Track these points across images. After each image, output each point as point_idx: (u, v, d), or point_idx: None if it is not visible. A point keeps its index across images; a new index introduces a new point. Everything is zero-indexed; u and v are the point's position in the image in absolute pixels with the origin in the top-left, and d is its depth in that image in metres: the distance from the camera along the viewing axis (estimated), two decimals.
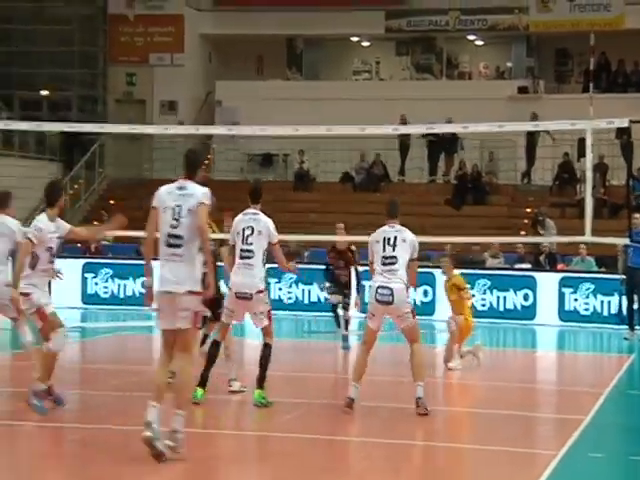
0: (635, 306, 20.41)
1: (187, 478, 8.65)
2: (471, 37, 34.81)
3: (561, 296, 22.73)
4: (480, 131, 24.40)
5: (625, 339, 19.82)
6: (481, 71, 35.25)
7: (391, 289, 10.70)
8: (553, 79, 34.02)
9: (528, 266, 23.95)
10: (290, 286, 23.70)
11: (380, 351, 13.32)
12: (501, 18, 33.10)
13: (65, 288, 20.35)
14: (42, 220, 10.34)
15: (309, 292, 23.80)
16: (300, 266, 17.70)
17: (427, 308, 22.07)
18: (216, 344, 11.56)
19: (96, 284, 24.82)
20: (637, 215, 20.15)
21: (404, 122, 25.92)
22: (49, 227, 10.26)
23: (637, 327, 20.30)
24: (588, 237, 15.28)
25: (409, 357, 11.19)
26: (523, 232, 25.80)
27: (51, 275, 10.73)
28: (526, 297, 22.61)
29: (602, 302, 22.49)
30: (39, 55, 34.30)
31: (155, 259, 8.89)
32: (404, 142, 29.87)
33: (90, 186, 31.75)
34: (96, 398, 12.35)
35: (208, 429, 10.92)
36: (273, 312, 11.65)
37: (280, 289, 23.65)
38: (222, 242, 12.94)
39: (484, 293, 22.37)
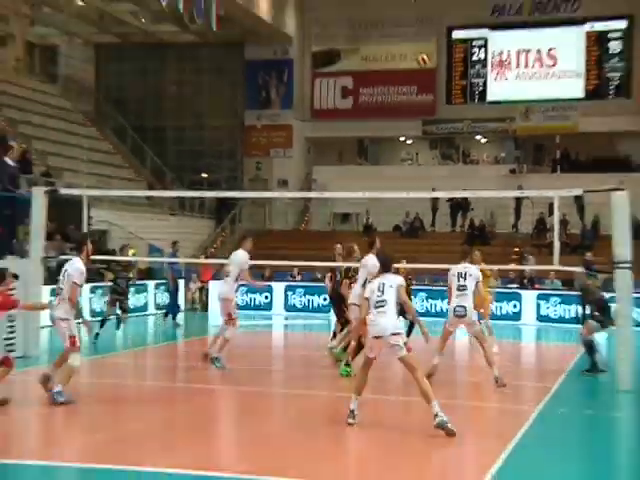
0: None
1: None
2: (478, 137, 36.55)
3: (538, 305, 23.67)
4: (484, 197, 26.92)
5: (580, 334, 18.50)
6: (484, 159, 36.80)
7: (464, 307, 11.68)
8: (532, 164, 34.87)
9: (516, 286, 24.56)
10: None
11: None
12: (498, 125, 34.75)
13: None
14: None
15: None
16: None
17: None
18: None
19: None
20: (588, 253, 21.59)
21: (434, 191, 25.10)
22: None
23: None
24: (556, 266, 15.15)
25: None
26: (513, 264, 26.03)
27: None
28: (515, 306, 23.56)
29: (565, 309, 23.22)
30: (201, 151, 36.45)
31: None
32: (434, 205, 31.47)
33: (233, 234, 32.22)
34: None
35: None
36: None
37: None
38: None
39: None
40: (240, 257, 13.08)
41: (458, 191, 25.69)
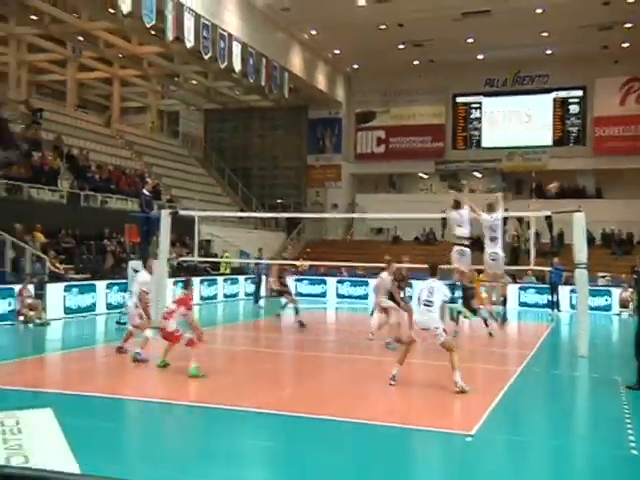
0: (555, 299, 20.79)
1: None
2: (475, 173, 35.29)
3: (519, 295, 23.39)
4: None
5: (549, 315, 20.28)
6: (480, 189, 34.10)
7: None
8: (515, 193, 33.76)
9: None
10: None
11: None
12: (489, 164, 34.24)
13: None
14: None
15: None
16: None
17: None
18: None
19: None
20: (555, 259, 21.22)
21: (444, 212, 22.89)
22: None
23: (555, 310, 20.58)
24: (532, 267, 15.49)
25: None
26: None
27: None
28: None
29: (539, 298, 23.10)
30: (276, 184, 36.87)
31: None
32: (444, 222, 27.89)
33: (299, 242, 33.32)
34: None
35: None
36: None
37: None
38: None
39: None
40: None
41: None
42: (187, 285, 10.34)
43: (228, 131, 38.23)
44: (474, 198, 15.51)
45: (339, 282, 25.42)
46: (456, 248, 12.35)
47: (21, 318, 14.61)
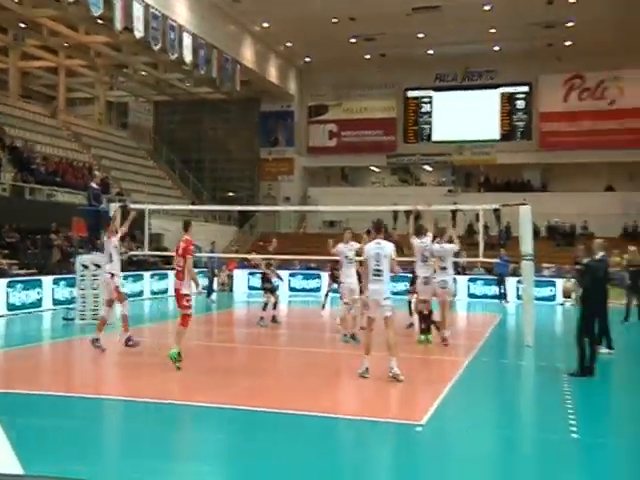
0: (502, 290, 21.91)
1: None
2: (426, 167, 36.38)
3: (468, 286, 23.70)
4: (431, 210, 27.52)
5: (497, 306, 20.66)
6: (430, 182, 36.31)
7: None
8: (464, 186, 34.72)
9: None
10: None
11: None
12: (439, 158, 34.71)
13: None
14: None
15: None
16: None
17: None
18: None
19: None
20: (502, 250, 22.12)
21: (395, 205, 23.36)
22: None
23: (502, 301, 21.54)
24: (481, 259, 15.34)
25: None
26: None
27: None
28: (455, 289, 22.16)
29: (487, 289, 23.47)
30: (229, 177, 37.02)
31: None
32: (395, 214, 29.54)
33: (251, 235, 32.89)
34: None
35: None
36: None
37: None
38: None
39: None
40: None
41: (412, 205, 24.99)
42: (187, 227, 9.40)
43: (179, 123, 37.88)
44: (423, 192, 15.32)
45: (292, 275, 25.35)
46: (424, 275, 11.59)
47: None
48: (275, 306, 14.19)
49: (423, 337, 11.66)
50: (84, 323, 13.58)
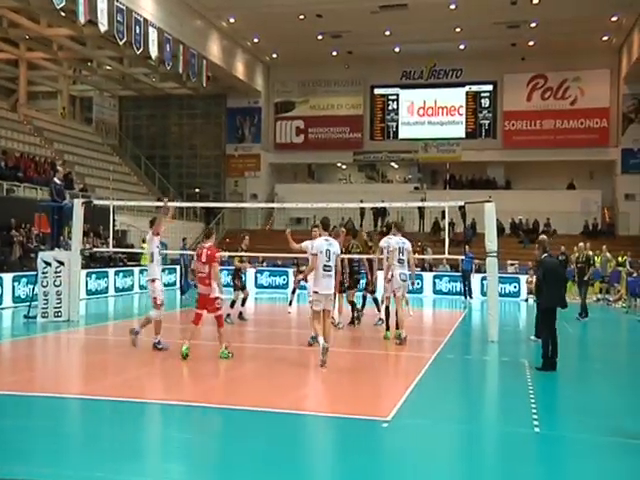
0: (467, 287, 21.62)
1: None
2: (393, 164, 36.45)
3: (434, 283, 23.99)
4: (396, 206, 24.18)
5: (462, 302, 21.04)
6: (397, 179, 36.56)
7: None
8: (430, 183, 34.99)
9: (419, 269, 23.22)
10: None
11: None
12: (406, 155, 34.86)
13: None
14: None
15: None
16: None
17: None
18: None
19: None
20: (467, 247, 21.90)
21: (362, 202, 24.46)
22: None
23: (467, 298, 21.46)
24: (446, 255, 14.90)
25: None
26: (416, 254, 21.99)
27: None
28: (418, 283, 22.81)
29: (452, 286, 23.61)
30: (195, 173, 36.71)
31: None
32: (362, 212, 30.79)
33: (218, 233, 30.64)
34: None
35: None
36: None
37: None
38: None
39: None
40: None
41: (378, 202, 25.54)
42: (209, 235, 9.92)
43: (144, 119, 37.48)
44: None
45: (258, 272, 25.23)
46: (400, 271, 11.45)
47: None
48: (243, 303, 14.10)
49: (390, 333, 11.70)
50: (46, 321, 13.32)
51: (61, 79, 34.67)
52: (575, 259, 16.75)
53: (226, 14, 28.86)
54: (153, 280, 10.06)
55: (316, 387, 8.36)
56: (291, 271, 19.73)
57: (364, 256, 13.49)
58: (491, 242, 12.33)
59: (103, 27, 20.40)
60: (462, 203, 15.02)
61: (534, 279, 15.36)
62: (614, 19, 28.19)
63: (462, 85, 34.57)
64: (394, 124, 35.57)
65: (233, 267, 14.30)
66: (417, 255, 23.91)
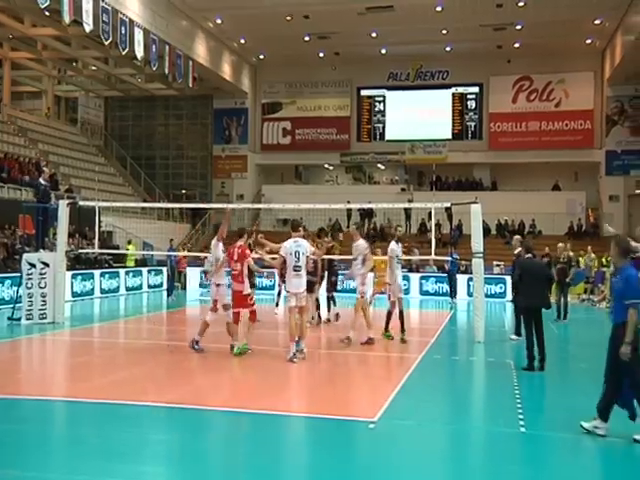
0: (453, 287, 21.61)
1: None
2: (379, 165, 36.25)
3: (421, 284, 24.03)
4: (383, 207, 25.29)
5: (449, 303, 21.16)
6: (383, 181, 36.56)
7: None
8: (416, 184, 35.26)
9: (406, 270, 22.99)
10: None
11: None
12: (392, 156, 34.74)
13: None
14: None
15: None
16: None
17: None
18: None
19: None
20: (451, 248, 22.61)
21: (349, 203, 24.02)
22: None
23: (454, 299, 21.44)
24: (433, 257, 15.29)
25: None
26: (403, 255, 23.40)
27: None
28: (405, 284, 21.48)
29: (439, 287, 23.59)
30: (181, 174, 36.38)
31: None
32: (349, 212, 30.00)
33: (204, 234, 32.15)
34: None
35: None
36: None
37: None
38: None
39: None
40: None
41: (365, 203, 24.71)
42: (242, 235, 10.37)
43: (130, 119, 37.23)
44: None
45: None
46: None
47: None
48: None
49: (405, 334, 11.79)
50: (30, 323, 13.21)
51: (45, 79, 34.42)
52: (555, 259, 16.76)
53: (212, 15, 28.79)
54: (218, 285, 10.31)
55: (302, 388, 8.35)
56: (277, 272, 19.61)
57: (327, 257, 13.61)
58: (477, 243, 12.38)
59: (88, 27, 20.26)
60: (448, 204, 15.01)
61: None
62: (597, 22, 28.50)
63: (448, 87, 34.71)
64: (381, 125, 35.66)
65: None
66: (404, 256, 24.46)
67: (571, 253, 17.29)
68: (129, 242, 25.41)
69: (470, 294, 19.35)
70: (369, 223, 31.74)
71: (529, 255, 10.04)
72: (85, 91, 36.57)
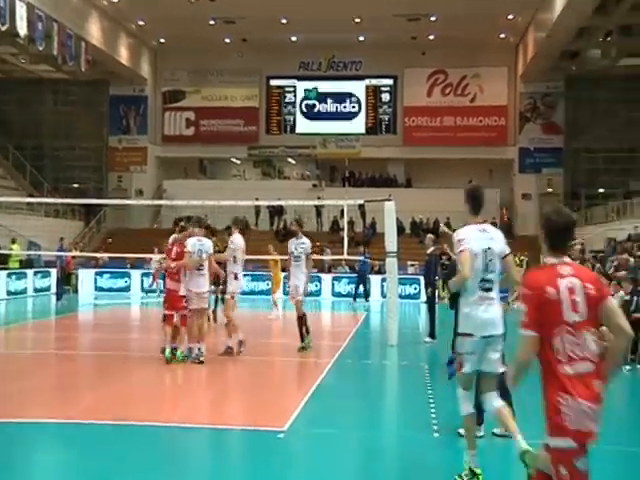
0: (365, 288, 22.31)
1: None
2: (290, 159, 36.53)
3: (333, 285, 24.39)
4: (293, 204, 25.41)
5: (362, 305, 21.40)
6: (294, 176, 36.74)
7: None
8: (328, 180, 35.32)
9: (317, 270, 23.52)
10: None
11: None
12: (303, 150, 35.01)
13: None
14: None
15: None
16: None
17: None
18: None
19: None
20: (363, 248, 23.18)
21: (257, 200, 25.04)
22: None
23: (365, 299, 22.08)
24: (345, 256, 15.95)
25: None
26: (314, 255, 24.53)
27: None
28: (316, 285, 23.39)
29: (352, 288, 23.42)
30: (73, 167, 35.34)
31: None
32: (257, 210, 31.23)
33: (98, 232, 32.44)
34: None
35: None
36: None
37: None
38: None
39: None
40: None
41: (274, 200, 25.51)
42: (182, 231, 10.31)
43: (13, 104, 35.59)
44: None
45: (145, 275, 24.60)
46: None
47: None
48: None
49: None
50: None
51: None
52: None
53: None
54: (236, 276, 10.46)
55: (207, 398, 8.27)
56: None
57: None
58: (391, 242, 12.58)
59: None
60: (361, 202, 15.44)
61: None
62: (510, 17, 29.76)
63: (362, 78, 35.14)
64: (291, 117, 35.76)
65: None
66: (316, 256, 24.66)
67: None
68: (13, 241, 24.36)
69: (384, 295, 19.49)
70: (279, 221, 31.77)
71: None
72: None
